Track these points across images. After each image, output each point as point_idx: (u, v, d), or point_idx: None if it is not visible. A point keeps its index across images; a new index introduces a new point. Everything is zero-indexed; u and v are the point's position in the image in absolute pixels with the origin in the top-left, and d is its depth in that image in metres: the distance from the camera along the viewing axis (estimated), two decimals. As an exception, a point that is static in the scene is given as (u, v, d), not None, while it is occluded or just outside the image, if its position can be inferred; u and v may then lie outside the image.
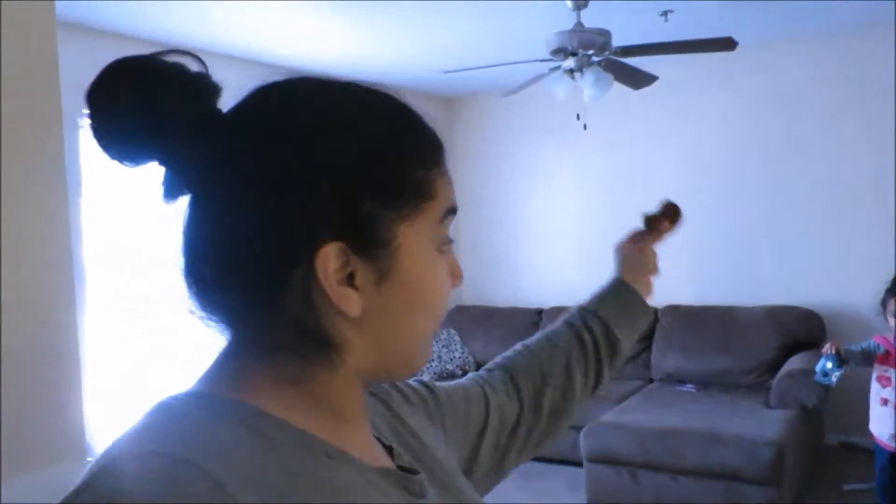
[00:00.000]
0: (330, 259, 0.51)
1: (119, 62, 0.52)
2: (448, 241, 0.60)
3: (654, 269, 1.01)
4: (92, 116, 0.51)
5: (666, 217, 1.01)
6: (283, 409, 0.53)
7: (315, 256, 0.50)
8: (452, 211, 0.59)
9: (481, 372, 0.90)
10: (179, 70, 0.52)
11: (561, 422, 0.88)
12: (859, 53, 4.20)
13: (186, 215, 0.54)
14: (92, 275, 3.41)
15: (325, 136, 0.52)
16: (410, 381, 0.78)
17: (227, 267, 0.52)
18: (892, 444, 2.81)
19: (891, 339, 2.86)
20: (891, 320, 2.80)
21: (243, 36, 3.74)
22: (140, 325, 3.63)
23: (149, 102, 0.50)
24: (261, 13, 3.40)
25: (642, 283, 0.99)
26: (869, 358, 2.84)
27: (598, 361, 0.92)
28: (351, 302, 0.52)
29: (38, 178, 1.17)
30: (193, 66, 0.53)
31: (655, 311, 4.67)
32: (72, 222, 3.19)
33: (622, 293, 0.97)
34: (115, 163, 0.53)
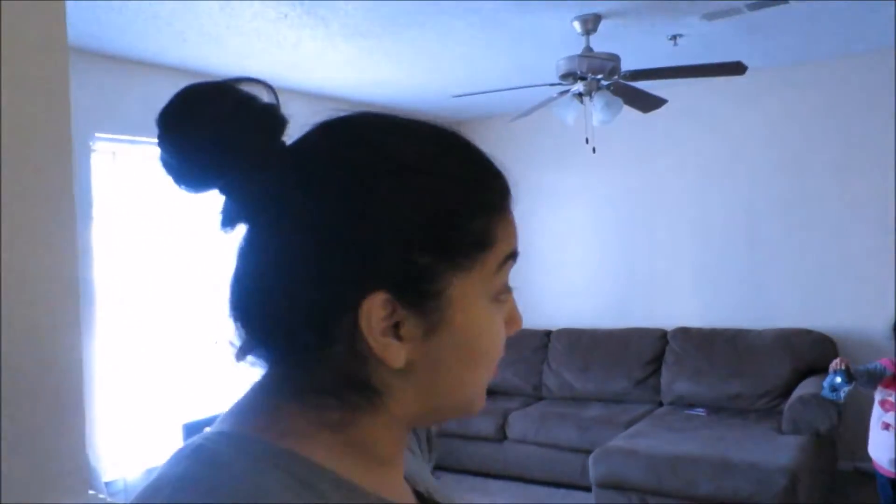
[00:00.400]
0: (375, 309, 0.49)
1: (192, 87, 0.51)
2: (507, 290, 0.57)
3: None
4: (161, 139, 0.51)
5: None
6: (326, 455, 0.51)
7: (360, 305, 0.49)
8: (513, 256, 0.57)
9: None
10: (249, 100, 0.52)
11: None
12: (871, 77, 4.20)
13: (241, 247, 0.52)
14: (103, 298, 3.43)
15: (384, 182, 0.50)
16: None
17: (275, 306, 0.50)
18: (892, 470, 2.78)
19: None
20: None
21: (257, 63, 3.78)
22: (152, 347, 3.64)
23: (217, 131, 0.50)
24: (275, 41, 3.44)
25: None
26: (874, 379, 2.81)
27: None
28: (394, 353, 0.50)
29: (46, 203, 1.18)
30: (264, 96, 0.53)
31: (664, 333, 4.65)
32: (83, 246, 3.23)
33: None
34: (179, 188, 0.52)
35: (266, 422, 0.52)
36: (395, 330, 0.50)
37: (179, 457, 0.49)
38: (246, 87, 0.53)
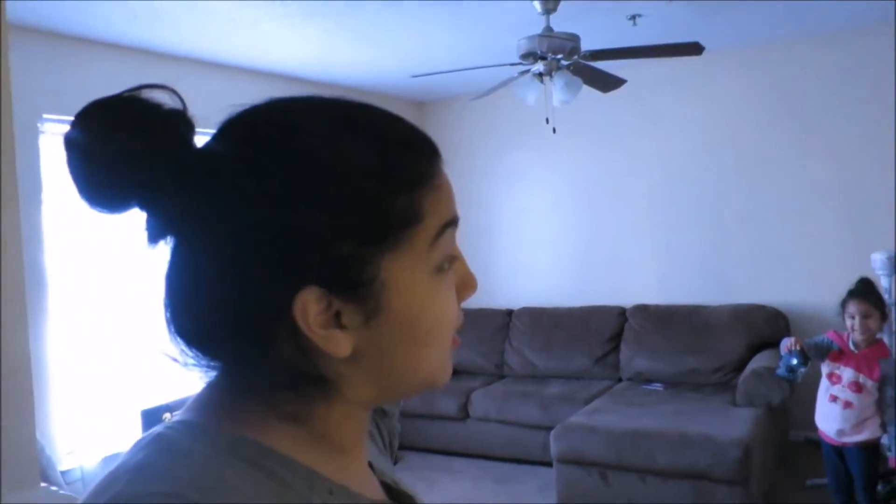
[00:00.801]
0: (309, 305, 0.48)
1: (87, 109, 0.49)
2: (451, 258, 0.55)
3: None
4: (68, 163, 0.49)
5: None
6: (286, 443, 0.51)
7: (293, 304, 0.48)
8: (451, 223, 0.54)
9: None
10: (153, 110, 0.50)
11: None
12: (827, 60, 4.29)
13: (168, 262, 0.52)
14: (56, 283, 3.34)
15: (294, 181, 0.49)
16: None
17: (209, 320, 0.50)
18: (838, 440, 2.89)
19: (845, 337, 2.94)
20: (848, 322, 2.88)
21: (213, 41, 3.69)
22: (108, 332, 3.56)
23: (122, 148, 0.48)
24: (231, 19, 3.36)
25: None
26: (822, 353, 2.91)
27: None
28: (338, 343, 0.50)
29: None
30: (168, 101, 0.50)
31: (623, 311, 4.73)
32: (33, 231, 3.13)
33: None
34: (95, 211, 0.50)
35: (226, 413, 0.52)
36: (337, 319, 0.50)
37: (139, 445, 0.49)
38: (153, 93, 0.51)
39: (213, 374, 0.54)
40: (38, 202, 3.22)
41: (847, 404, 2.82)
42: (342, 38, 3.78)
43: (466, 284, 0.57)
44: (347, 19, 3.46)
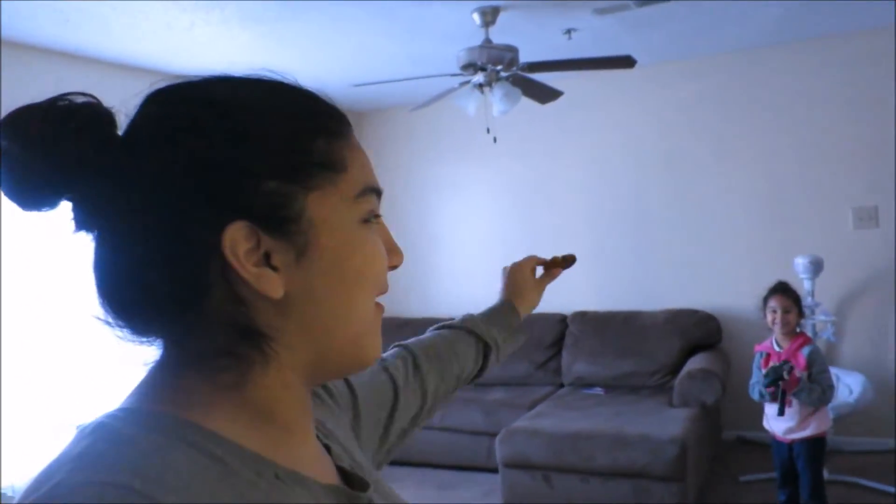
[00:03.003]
0: (238, 240, 0.50)
1: (7, 118, 0.51)
2: (375, 215, 0.57)
3: (536, 303, 1.13)
4: None
5: (562, 265, 1.14)
6: (230, 426, 0.51)
7: (223, 241, 0.49)
8: (373, 191, 0.57)
9: (391, 352, 0.93)
10: (63, 107, 0.51)
11: (434, 412, 0.95)
12: (749, 73, 4.50)
13: (94, 250, 0.52)
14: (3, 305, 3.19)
15: (215, 123, 0.51)
16: (337, 383, 0.77)
17: (142, 280, 0.50)
18: (786, 437, 3.01)
19: (768, 342, 3.08)
20: (769, 316, 3.01)
21: (147, 48, 3.62)
22: (42, 347, 3.42)
23: (39, 148, 0.49)
24: (165, 24, 3.30)
25: (525, 308, 1.10)
26: (770, 375, 2.94)
27: (481, 371, 1.03)
28: (270, 282, 0.51)
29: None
30: (79, 100, 0.52)
31: (564, 317, 4.82)
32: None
33: (511, 316, 1.07)
34: (28, 211, 0.52)
35: (168, 396, 0.51)
36: (267, 261, 0.51)
37: (80, 436, 0.48)
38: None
39: (157, 349, 0.54)
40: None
41: (788, 402, 2.93)
42: (279, 45, 3.76)
43: (393, 251, 0.60)
44: (284, 26, 3.45)
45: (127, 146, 0.52)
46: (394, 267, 0.60)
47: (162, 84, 0.55)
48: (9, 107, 0.52)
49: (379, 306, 0.59)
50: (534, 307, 1.12)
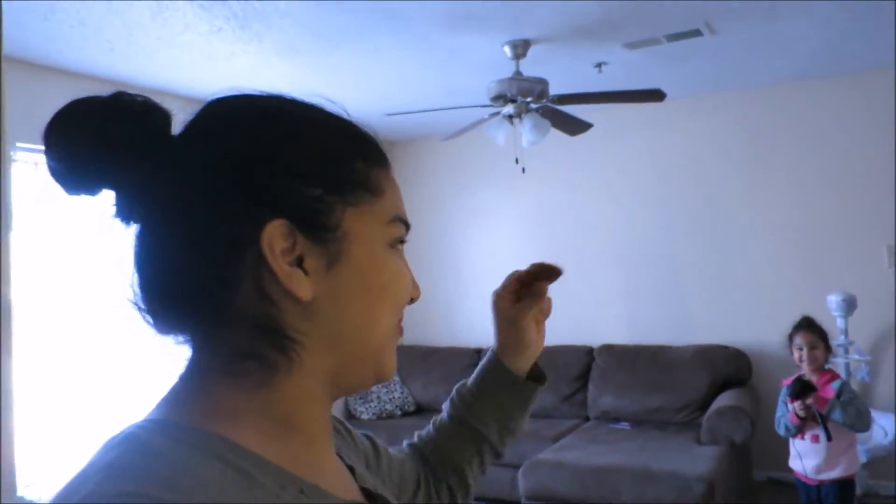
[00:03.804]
0: (276, 237, 0.52)
1: (69, 104, 0.54)
2: (401, 241, 0.60)
3: (533, 344, 0.90)
4: (48, 146, 0.53)
5: (545, 277, 0.89)
6: (255, 437, 0.52)
7: (261, 237, 0.51)
8: (403, 221, 0.60)
9: (405, 448, 0.90)
10: (125, 100, 0.55)
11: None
12: (782, 107, 4.49)
13: (136, 240, 0.54)
14: (21, 312, 3.28)
15: (268, 127, 0.55)
16: (358, 432, 0.78)
17: (177, 267, 0.52)
18: (815, 477, 2.92)
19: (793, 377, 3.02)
20: (795, 353, 2.96)
21: (187, 76, 3.73)
22: (73, 361, 3.50)
23: (95, 133, 0.52)
24: (206, 55, 3.41)
25: (524, 358, 0.90)
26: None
27: (496, 454, 0.92)
28: (301, 283, 0.52)
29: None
30: (139, 98, 0.55)
31: (591, 350, 4.79)
32: (2, 257, 3.09)
33: (508, 383, 0.89)
34: (70, 193, 0.54)
35: (196, 406, 0.52)
36: (300, 264, 0.53)
37: (109, 445, 0.49)
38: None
39: (187, 352, 0.56)
40: (8, 228, 3.18)
41: (815, 438, 2.87)
42: (315, 76, 3.85)
43: (412, 285, 0.62)
44: (321, 56, 3.54)
45: (180, 142, 0.55)
46: (412, 300, 0.62)
47: (222, 93, 0.58)
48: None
49: (398, 327, 0.61)
50: (535, 351, 0.90)
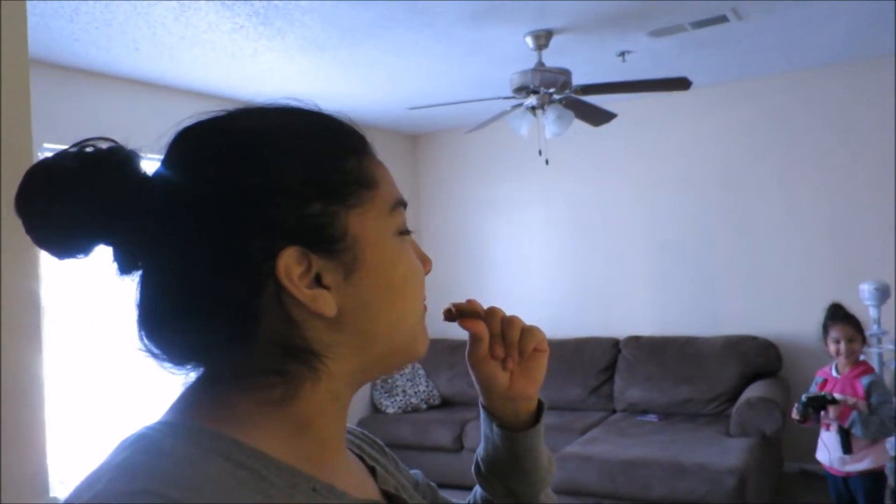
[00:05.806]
0: (291, 265, 0.51)
1: (36, 167, 0.52)
2: (406, 230, 0.60)
3: (517, 385, 0.73)
4: (26, 224, 0.51)
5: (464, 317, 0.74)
6: (269, 440, 0.52)
7: (277, 268, 0.51)
8: (401, 203, 0.59)
9: None
10: (93, 156, 0.52)
11: None
12: (813, 92, 4.40)
13: (139, 287, 0.54)
14: (49, 312, 3.34)
15: (245, 154, 0.53)
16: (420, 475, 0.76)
17: (194, 314, 0.51)
18: (841, 469, 2.89)
19: (828, 369, 2.98)
20: (832, 346, 2.91)
21: (212, 74, 3.76)
22: (100, 361, 3.55)
23: (69, 196, 0.50)
24: (230, 53, 3.42)
25: (514, 396, 0.74)
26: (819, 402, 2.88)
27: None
28: (325, 302, 0.52)
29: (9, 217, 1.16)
30: (104, 145, 0.53)
31: (617, 342, 4.75)
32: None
33: (513, 448, 0.75)
34: (64, 260, 0.52)
35: (209, 410, 0.52)
36: (319, 282, 0.53)
37: (121, 446, 0.49)
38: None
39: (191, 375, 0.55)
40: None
41: (826, 425, 2.84)
42: (339, 71, 3.86)
43: (423, 259, 0.62)
44: (344, 52, 3.54)
45: (164, 184, 0.53)
46: (425, 273, 0.62)
47: (188, 122, 0.56)
48: (88, 132, 0.54)
49: (424, 306, 0.62)
50: (520, 394, 0.74)
